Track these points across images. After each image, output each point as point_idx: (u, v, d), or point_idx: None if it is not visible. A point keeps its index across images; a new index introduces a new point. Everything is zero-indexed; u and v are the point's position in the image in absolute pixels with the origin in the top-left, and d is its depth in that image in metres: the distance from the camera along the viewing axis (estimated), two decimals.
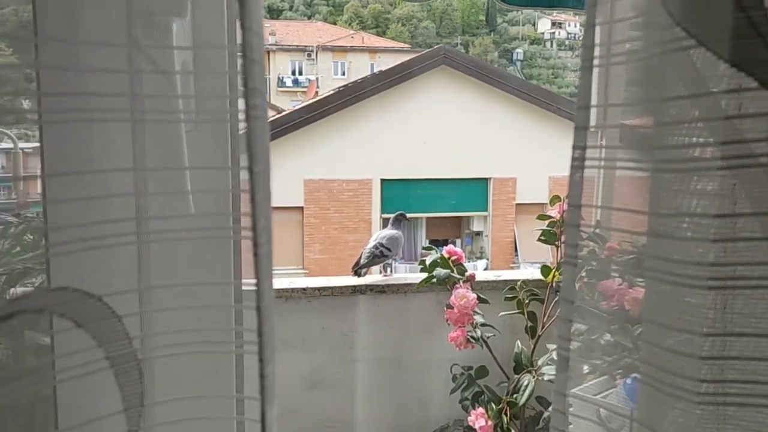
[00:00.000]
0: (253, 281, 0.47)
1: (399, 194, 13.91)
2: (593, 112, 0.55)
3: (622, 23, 0.51)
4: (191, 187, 0.60)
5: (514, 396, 2.46)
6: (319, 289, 2.71)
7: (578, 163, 0.52)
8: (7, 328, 0.48)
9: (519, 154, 13.80)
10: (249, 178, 0.47)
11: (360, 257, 2.89)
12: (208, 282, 0.60)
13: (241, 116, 0.48)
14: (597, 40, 0.50)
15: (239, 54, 0.47)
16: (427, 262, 2.67)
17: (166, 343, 0.55)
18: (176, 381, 0.58)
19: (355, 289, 2.74)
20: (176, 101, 0.61)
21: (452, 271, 2.65)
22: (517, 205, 14.62)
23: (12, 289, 0.62)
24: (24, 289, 0.56)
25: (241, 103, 0.48)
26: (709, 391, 0.46)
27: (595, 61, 0.51)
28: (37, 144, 0.59)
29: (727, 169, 0.46)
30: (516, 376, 2.54)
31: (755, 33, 0.43)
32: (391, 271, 3.04)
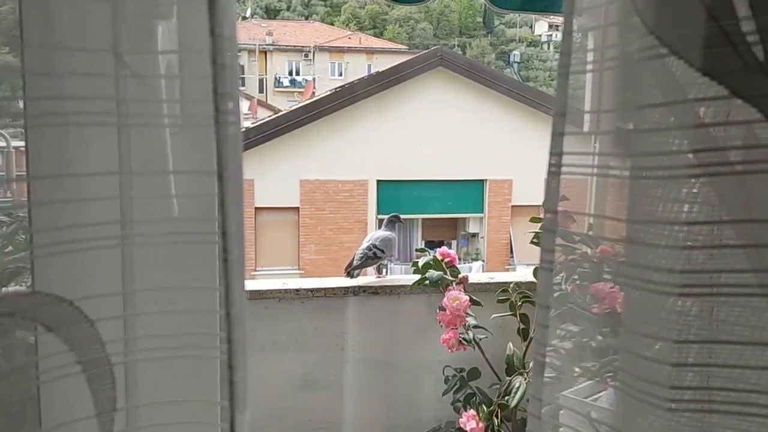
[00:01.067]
0: (223, 287, 0.47)
1: (395, 195, 13.90)
2: (586, 117, 0.55)
3: (599, 30, 0.51)
4: (175, 192, 0.60)
5: (506, 398, 2.46)
6: (312, 290, 2.71)
7: (555, 170, 0.52)
8: None
9: (515, 156, 13.81)
10: (218, 184, 0.46)
11: (353, 258, 2.89)
12: (189, 287, 0.60)
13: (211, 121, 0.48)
14: (578, 46, 0.51)
15: (211, 60, 0.47)
16: (420, 264, 2.67)
17: (144, 348, 0.55)
18: (154, 386, 0.58)
19: (348, 291, 2.74)
20: (161, 105, 0.61)
21: (445, 273, 2.66)
22: (513, 206, 14.63)
23: (3, 289, 0.62)
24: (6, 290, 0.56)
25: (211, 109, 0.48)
26: (680, 397, 0.46)
27: (573, 68, 0.51)
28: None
29: (702, 176, 0.47)
30: (508, 378, 2.54)
31: (726, 42, 0.43)
32: (386, 273, 3.04)
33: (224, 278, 0.49)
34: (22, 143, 0.63)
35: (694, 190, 0.47)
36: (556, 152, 0.52)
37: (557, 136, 0.52)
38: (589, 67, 0.51)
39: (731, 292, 0.47)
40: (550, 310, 0.55)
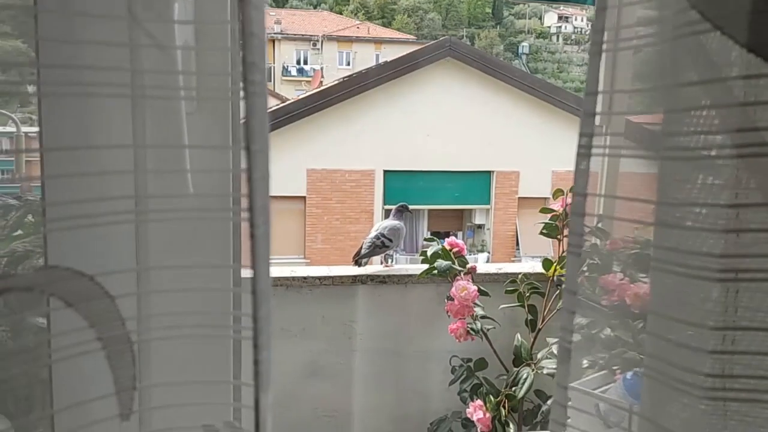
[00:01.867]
0: (249, 264, 0.46)
1: (401, 185, 13.89)
2: (600, 98, 0.53)
3: (634, 6, 0.49)
4: (191, 167, 0.59)
5: (513, 389, 2.45)
6: (319, 278, 2.70)
7: (585, 151, 0.50)
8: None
9: (522, 147, 13.77)
10: (246, 157, 0.45)
11: (361, 247, 2.89)
12: (205, 264, 0.59)
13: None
14: (607, 24, 0.49)
15: (240, 28, 0.45)
16: (429, 254, 2.66)
17: (163, 326, 0.54)
18: (172, 365, 0.57)
19: (356, 279, 2.74)
20: (177, 78, 0.60)
21: (453, 263, 2.65)
22: (520, 198, 14.58)
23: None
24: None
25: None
26: (715, 385, 0.45)
27: (605, 46, 0.49)
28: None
29: (737, 158, 0.45)
30: (515, 369, 2.54)
31: None
32: (391, 262, 3.03)
33: (251, 254, 0.48)
34: (32, 129, 0.62)
35: (729, 172, 0.45)
36: (587, 133, 0.50)
37: (588, 116, 0.50)
38: (623, 44, 0.50)
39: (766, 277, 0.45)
40: (577, 296, 0.53)
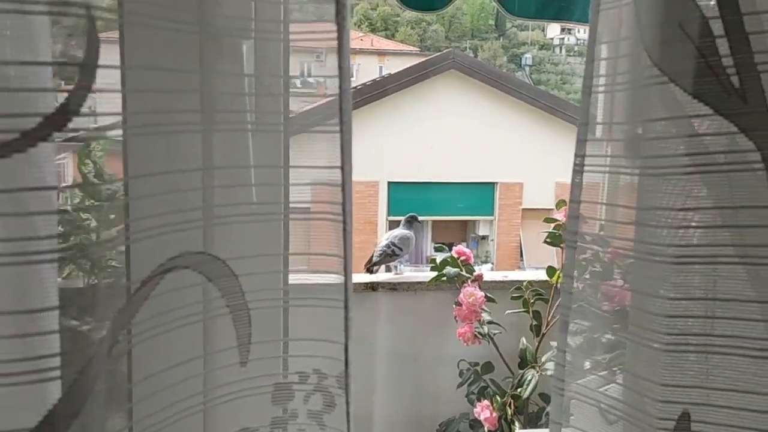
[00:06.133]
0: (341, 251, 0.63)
1: (406, 197, 13.95)
2: (599, 127, 0.68)
3: (615, 60, 0.64)
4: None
5: (519, 390, 2.57)
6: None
7: (579, 168, 0.66)
8: (167, 280, 0.64)
9: (526, 159, 13.84)
10: (341, 174, 0.62)
11: (372, 255, 3.02)
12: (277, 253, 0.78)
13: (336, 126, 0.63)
14: (597, 72, 0.64)
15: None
16: (438, 261, 2.80)
17: (267, 297, 0.75)
18: (273, 326, 0.76)
19: (367, 286, 2.86)
20: (245, 115, 0.76)
21: (461, 271, 2.78)
22: (524, 210, 14.65)
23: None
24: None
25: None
26: (671, 341, 0.60)
27: (594, 89, 0.64)
28: None
29: (695, 173, 0.60)
30: (520, 371, 2.66)
31: (711, 73, 0.57)
32: (398, 272, 3.15)
33: (343, 244, 0.65)
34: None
35: (690, 185, 0.60)
36: (580, 154, 0.65)
37: (581, 142, 0.66)
38: (606, 88, 0.64)
39: (713, 261, 0.60)
40: (574, 280, 0.68)
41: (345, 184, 0.68)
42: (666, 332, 0.62)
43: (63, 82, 0.56)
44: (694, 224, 0.61)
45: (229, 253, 0.72)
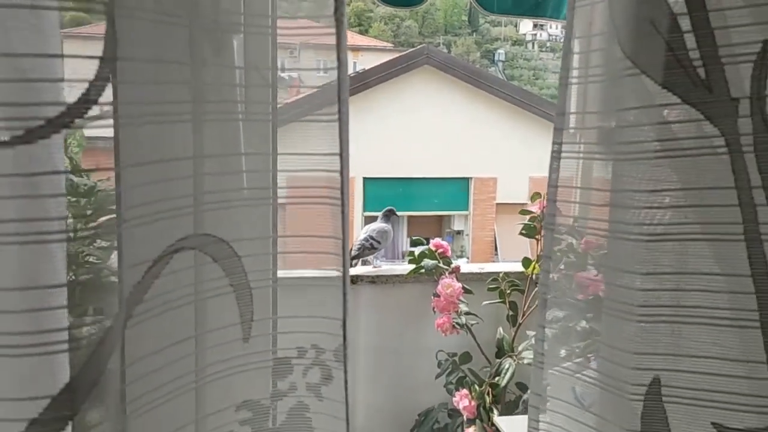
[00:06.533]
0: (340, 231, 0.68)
1: (381, 193, 13.96)
2: (575, 117, 0.73)
3: (589, 54, 0.69)
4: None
5: (496, 378, 2.62)
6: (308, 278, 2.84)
7: (556, 155, 0.70)
8: (176, 260, 0.68)
9: (500, 154, 13.93)
10: (339, 161, 0.66)
11: (351, 249, 3.05)
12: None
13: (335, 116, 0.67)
14: (573, 65, 0.69)
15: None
16: (416, 254, 2.84)
17: (266, 277, 0.79)
18: (271, 304, 0.80)
19: None
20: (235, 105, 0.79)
21: (439, 263, 2.82)
22: (498, 204, 14.75)
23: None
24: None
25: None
26: (644, 313, 0.65)
27: (571, 80, 0.69)
28: None
29: (664, 158, 0.65)
30: (498, 360, 2.71)
31: (679, 65, 0.61)
32: (373, 267, 3.18)
33: (341, 224, 0.69)
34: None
35: (659, 169, 0.65)
36: (558, 142, 0.70)
37: (558, 131, 0.70)
38: (581, 80, 0.69)
39: (679, 238, 0.65)
40: (551, 260, 0.73)
41: (343, 169, 0.72)
42: (639, 305, 0.67)
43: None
44: (664, 205, 0.66)
45: (233, 235, 0.76)
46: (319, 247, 0.80)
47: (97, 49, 0.55)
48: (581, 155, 0.74)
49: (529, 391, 2.64)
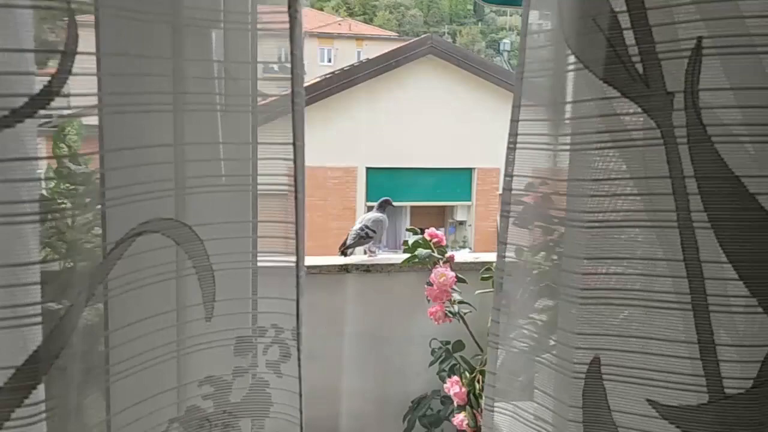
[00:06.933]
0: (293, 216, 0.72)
1: (384, 183, 13.97)
2: (530, 109, 0.77)
3: (539, 50, 0.72)
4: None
5: (487, 366, 2.66)
6: (307, 267, 2.87)
7: (512, 146, 0.75)
8: (137, 243, 0.72)
9: (503, 144, 13.82)
10: (293, 149, 0.70)
11: (347, 238, 3.08)
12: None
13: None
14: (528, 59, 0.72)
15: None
16: (411, 243, 2.87)
17: (230, 260, 0.86)
18: (234, 285, 0.87)
19: (342, 268, 2.92)
20: (213, 97, 0.83)
21: (433, 252, 2.85)
22: (501, 195, 14.71)
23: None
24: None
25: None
26: (586, 296, 0.69)
27: (525, 75, 0.72)
28: None
29: (613, 148, 0.69)
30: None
31: (619, 61, 0.65)
32: (371, 255, 3.22)
33: (294, 209, 0.73)
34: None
35: (608, 155, 0.70)
36: (513, 133, 0.74)
37: (514, 123, 0.74)
38: (535, 74, 0.73)
39: (621, 225, 0.69)
40: (506, 246, 0.77)
41: (297, 158, 0.76)
42: (582, 287, 0.71)
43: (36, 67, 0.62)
44: (612, 193, 0.69)
45: (196, 219, 0.80)
46: (277, 232, 0.84)
47: (60, 44, 0.59)
48: (535, 146, 0.78)
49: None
